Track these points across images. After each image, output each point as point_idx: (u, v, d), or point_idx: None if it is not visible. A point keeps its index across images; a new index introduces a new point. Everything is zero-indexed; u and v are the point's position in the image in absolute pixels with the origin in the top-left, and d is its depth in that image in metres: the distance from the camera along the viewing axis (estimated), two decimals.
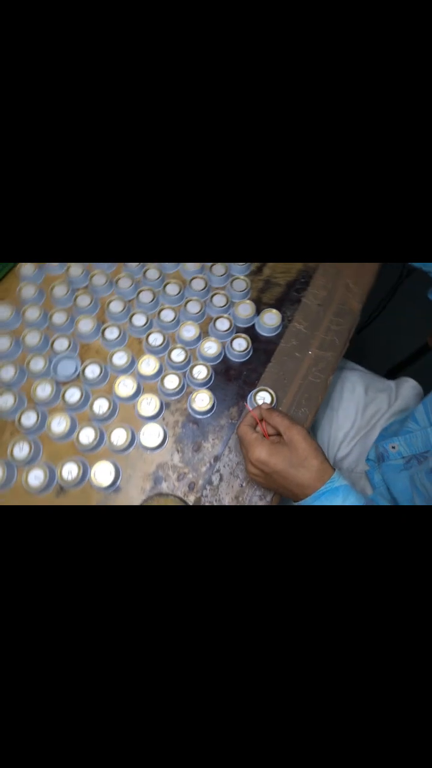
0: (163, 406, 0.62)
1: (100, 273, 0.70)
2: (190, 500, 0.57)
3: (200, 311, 0.67)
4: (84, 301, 0.67)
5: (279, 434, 0.53)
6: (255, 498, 0.57)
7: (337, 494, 0.48)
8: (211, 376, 0.63)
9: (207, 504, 0.57)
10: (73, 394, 0.61)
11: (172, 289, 0.68)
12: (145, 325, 0.66)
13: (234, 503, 0.57)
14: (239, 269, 0.71)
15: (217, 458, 0.60)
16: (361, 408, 0.76)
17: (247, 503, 0.57)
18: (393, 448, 0.65)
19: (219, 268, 0.70)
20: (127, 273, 0.70)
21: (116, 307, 0.67)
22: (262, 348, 0.67)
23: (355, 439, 0.75)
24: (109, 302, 0.67)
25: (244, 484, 0.58)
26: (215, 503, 0.57)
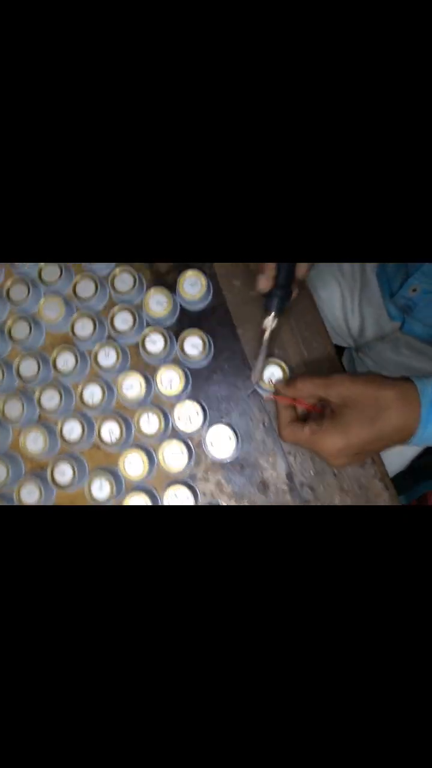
0: (191, 483, 0.46)
1: None
2: None
3: (118, 358, 0.46)
4: None
5: (322, 400, 0.40)
6: (359, 472, 0.47)
7: None
8: (204, 411, 0.46)
9: None
10: None
11: (65, 361, 0.47)
12: (97, 416, 0.46)
13: (343, 496, 0.46)
14: (99, 267, 0.48)
15: (290, 476, 0.47)
16: (336, 272, 0.61)
17: (356, 485, 0.46)
18: (414, 291, 0.52)
19: (86, 285, 0.48)
20: None
21: (51, 401, 0.46)
22: (216, 321, 0.49)
23: (355, 304, 0.62)
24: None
25: (336, 473, 0.47)
26: None
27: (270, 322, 0.42)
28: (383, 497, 0.46)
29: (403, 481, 0.68)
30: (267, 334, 0.43)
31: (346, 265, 0.61)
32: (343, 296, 0.62)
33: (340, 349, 0.69)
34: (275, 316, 0.42)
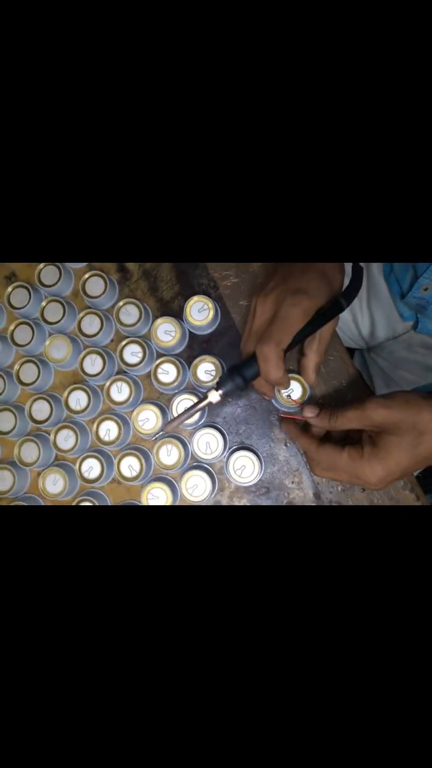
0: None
1: None
2: None
3: (131, 392, 0.45)
4: None
5: (356, 431, 0.38)
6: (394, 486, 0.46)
7: None
8: (224, 436, 0.45)
9: None
10: None
11: (77, 400, 0.46)
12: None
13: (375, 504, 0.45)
14: (101, 301, 0.47)
15: (317, 495, 0.46)
16: None
17: (386, 497, 0.45)
18: (425, 290, 0.51)
19: (91, 320, 0.47)
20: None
21: (67, 441, 0.45)
22: (227, 343, 0.48)
23: (363, 306, 0.61)
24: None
25: (365, 488, 0.46)
26: None
27: (215, 397, 0.39)
28: None
29: (424, 480, 0.66)
30: (203, 404, 0.39)
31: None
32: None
33: (350, 351, 0.68)
34: (222, 395, 0.39)
